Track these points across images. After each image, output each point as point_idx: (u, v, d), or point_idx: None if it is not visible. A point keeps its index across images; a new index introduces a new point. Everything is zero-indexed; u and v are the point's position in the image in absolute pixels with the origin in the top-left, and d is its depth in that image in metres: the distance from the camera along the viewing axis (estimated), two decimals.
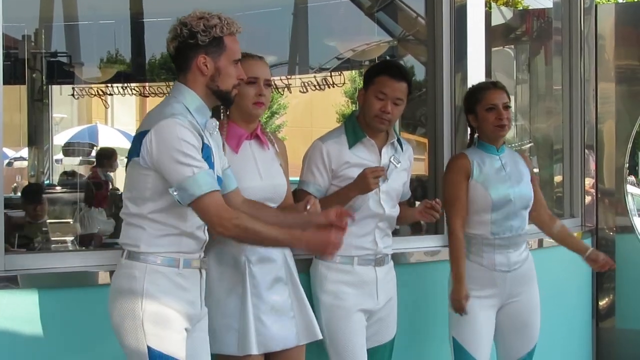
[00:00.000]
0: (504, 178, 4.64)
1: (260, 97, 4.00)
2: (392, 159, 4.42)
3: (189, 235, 3.52)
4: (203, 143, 3.42)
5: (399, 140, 4.49)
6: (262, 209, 3.79)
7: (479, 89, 4.77)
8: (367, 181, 4.12)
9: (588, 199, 7.17)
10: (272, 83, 4.13)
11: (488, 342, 4.67)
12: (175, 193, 3.35)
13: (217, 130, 3.66)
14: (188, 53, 3.50)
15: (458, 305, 4.49)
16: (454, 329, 4.65)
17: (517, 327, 4.72)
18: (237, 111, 4.04)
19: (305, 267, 4.37)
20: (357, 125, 4.39)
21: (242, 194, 3.79)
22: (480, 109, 4.65)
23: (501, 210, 4.61)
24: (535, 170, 7.77)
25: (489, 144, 4.69)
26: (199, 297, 3.60)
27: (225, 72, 3.52)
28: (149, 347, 3.42)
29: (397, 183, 4.45)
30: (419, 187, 6.76)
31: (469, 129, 4.86)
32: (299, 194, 4.27)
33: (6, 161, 4.95)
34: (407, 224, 4.62)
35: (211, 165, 3.45)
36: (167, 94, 3.66)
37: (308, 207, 3.84)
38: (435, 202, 4.29)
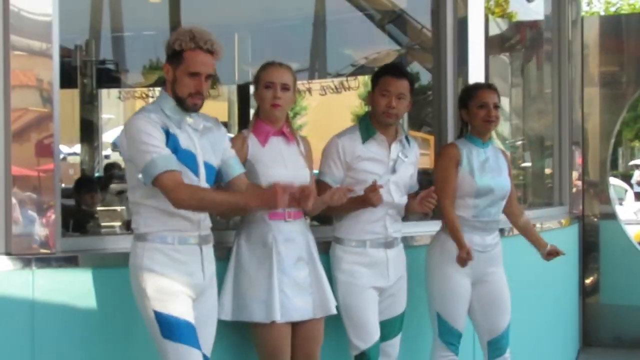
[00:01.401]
0: (488, 169, 4.65)
1: (276, 100, 4.05)
2: (400, 154, 4.43)
3: (181, 217, 3.57)
4: (169, 134, 3.50)
5: (406, 137, 4.50)
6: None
7: (473, 87, 4.81)
8: (369, 198, 4.13)
9: (575, 189, 7.17)
10: (292, 87, 4.13)
11: (465, 311, 4.69)
12: (140, 176, 3.46)
13: (212, 129, 3.75)
14: (165, 63, 3.66)
15: (465, 260, 4.43)
16: (437, 304, 4.65)
17: (494, 305, 4.72)
18: (262, 112, 4.15)
19: (325, 249, 4.38)
20: (370, 123, 4.41)
21: (246, 180, 3.88)
22: (473, 105, 4.65)
23: (484, 197, 4.61)
24: (528, 164, 7.78)
25: (477, 137, 4.69)
26: (200, 269, 3.64)
27: (180, 81, 3.58)
28: (154, 311, 3.52)
29: (405, 175, 4.46)
30: (425, 179, 6.76)
31: (460, 122, 4.85)
32: (317, 184, 4.29)
33: (61, 156, 4.99)
34: (412, 214, 4.62)
35: (180, 152, 3.52)
36: None
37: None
38: (429, 192, 4.30)
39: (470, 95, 4.69)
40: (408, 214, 4.60)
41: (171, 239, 3.57)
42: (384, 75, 4.39)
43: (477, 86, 4.81)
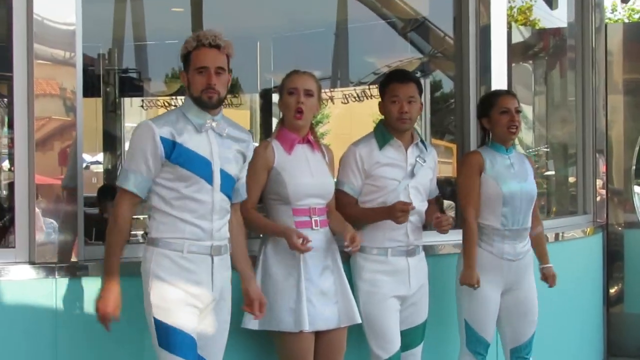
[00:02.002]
0: (513, 175, 4.62)
1: (299, 104, 4.07)
2: (417, 158, 4.42)
3: (191, 224, 3.56)
4: (175, 145, 3.52)
5: (422, 142, 4.50)
6: (236, 237, 3.86)
7: (493, 94, 4.77)
8: (396, 214, 4.14)
9: (599, 197, 7.12)
10: (315, 94, 4.14)
11: (494, 321, 4.67)
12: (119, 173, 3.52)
13: (240, 140, 3.75)
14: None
15: (469, 285, 4.47)
16: (465, 312, 4.64)
17: (521, 314, 4.69)
18: (287, 120, 4.16)
19: (346, 258, 4.37)
20: (385, 129, 4.42)
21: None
22: (494, 112, 4.62)
23: (511, 204, 4.57)
24: (552, 172, 7.74)
25: (499, 144, 4.66)
26: (209, 280, 3.61)
27: (192, 81, 3.61)
28: (154, 319, 3.53)
29: (424, 179, 4.45)
30: (448, 188, 6.74)
31: (482, 131, 4.83)
32: (336, 193, 4.29)
33: (84, 165, 5.02)
34: (428, 224, 4.62)
35: (196, 161, 3.55)
36: (224, 105, 3.74)
37: (349, 247, 4.05)
38: (447, 218, 4.32)
39: (491, 103, 4.66)
40: (429, 221, 4.59)
41: (180, 247, 3.56)
42: (391, 82, 4.40)
43: (496, 93, 4.78)
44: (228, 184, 3.68)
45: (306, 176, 4.08)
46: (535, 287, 4.74)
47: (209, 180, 3.58)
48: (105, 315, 3.52)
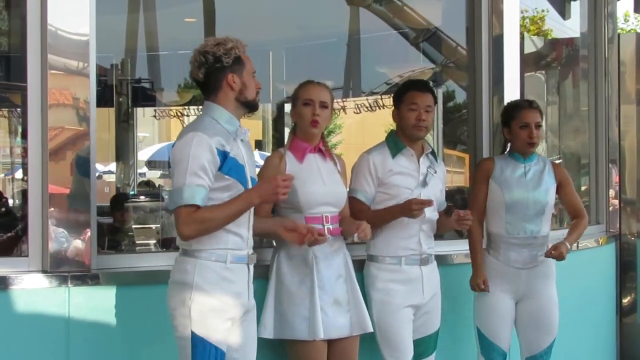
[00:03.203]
0: (522, 183, 4.62)
1: (315, 116, 4.08)
2: (429, 168, 4.44)
3: (234, 233, 3.54)
4: (227, 156, 3.48)
5: (432, 153, 4.51)
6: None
7: (516, 106, 4.75)
8: (411, 207, 4.13)
9: (612, 207, 7.10)
10: (329, 105, 4.16)
11: (508, 329, 4.65)
12: (166, 195, 3.42)
13: (247, 137, 3.71)
14: (217, 75, 3.58)
15: (477, 288, 4.52)
16: (477, 319, 4.65)
17: (537, 323, 4.67)
18: (300, 129, 4.16)
19: (360, 267, 4.37)
20: (397, 139, 4.44)
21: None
22: (515, 125, 4.64)
23: (515, 212, 4.58)
24: None
25: (517, 153, 4.67)
26: (247, 289, 3.61)
27: (249, 84, 3.62)
28: (192, 332, 3.47)
29: (435, 189, 4.46)
30: (460, 198, 6.74)
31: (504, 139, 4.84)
32: (350, 201, 4.31)
33: (97, 174, 5.03)
34: (445, 232, 4.61)
35: (240, 169, 3.53)
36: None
37: (356, 235, 4.02)
38: (465, 213, 4.29)
39: (512, 115, 4.67)
40: (441, 232, 4.59)
41: (224, 257, 3.52)
42: (410, 90, 4.42)
43: (519, 104, 4.76)
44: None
45: (318, 184, 4.09)
46: (555, 298, 4.70)
47: (246, 185, 3.57)
48: (276, 184, 3.46)
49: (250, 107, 3.66)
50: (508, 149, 4.76)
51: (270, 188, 3.45)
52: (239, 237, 3.56)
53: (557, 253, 4.55)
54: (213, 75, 3.58)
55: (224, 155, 3.47)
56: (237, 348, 3.62)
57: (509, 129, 4.68)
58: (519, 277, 4.60)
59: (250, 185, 3.58)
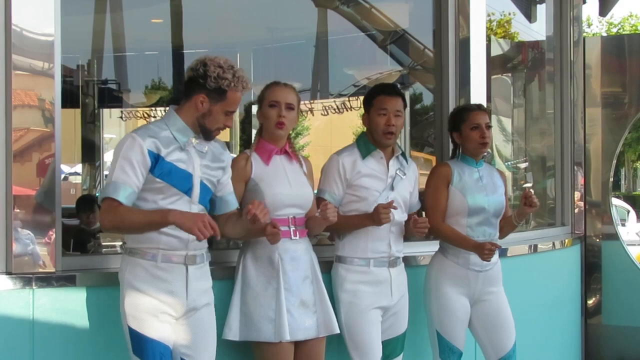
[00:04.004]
0: (481, 188, 4.66)
1: (281, 118, 4.08)
2: (397, 171, 4.45)
3: (166, 234, 3.59)
4: (158, 158, 3.54)
5: (403, 155, 4.52)
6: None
7: (464, 109, 4.80)
8: (379, 216, 4.15)
9: (577, 209, 7.16)
10: (296, 107, 4.16)
11: (464, 330, 4.69)
12: (105, 185, 3.54)
13: (216, 153, 3.78)
14: (194, 87, 3.64)
15: (489, 253, 4.47)
16: (437, 322, 4.66)
17: (499, 323, 4.71)
18: (266, 131, 4.17)
19: (327, 268, 4.38)
20: (368, 141, 4.45)
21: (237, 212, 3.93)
22: (465, 128, 4.68)
23: (476, 216, 4.62)
24: (530, 184, 7.78)
25: (469, 157, 4.71)
26: (184, 289, 3.64)
27: (215, 116, 3.65)
28: (129, 327, 3.58)
29: (404, 192, 4.47)
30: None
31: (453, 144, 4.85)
32: (317, 201, 4.30)
33: (62, 176, 4.98)
34: (410, 236, 4.62)
35: (180, 176, 3.58)
36: None
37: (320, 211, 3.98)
38: (424, 219, 4.35)
39: (462, 118, 4.71)
40: (409, 235, 4.61)
41: (155, 257, 3.60)
42: (379, 94, 4.43)
43: (467, 108, 4.81)
44: (206, 196, 3.73)
45: (284, 186, 4.08)
46: (505, 298, 4.76)
47: (188, 192, 3.63)
48: (202, 222, 3.37)
49: (204, 133, 3.69)
50: (459, 154, 4.77)
51: (191, 221, 3.39)
52: (174, 238, 3.61)
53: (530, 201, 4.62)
54: (191, 85, 3.65)
55: (155, 158, 3.54)
56: (186, 344, 3.67)
57: (459, 133, 4.71)
58: (476, 279, 4.63)
59: (195, 193, 3.64)
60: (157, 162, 3.54)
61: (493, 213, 4.68)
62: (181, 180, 3.60)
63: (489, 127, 4.68)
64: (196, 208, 3.65)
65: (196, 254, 3.68)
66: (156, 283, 3.59)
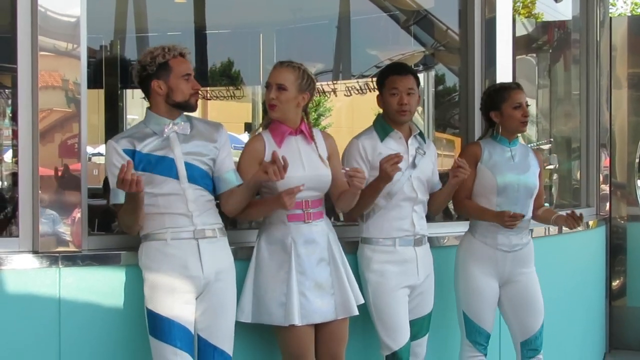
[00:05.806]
0: (512, 167, 4.64)
1: (271, 100, 4.06)
2: (417, 149, 4.44)
3: (169, 214, 3.75)
4: (135, 153, 3.72)
5: (420, 134, 4.51)
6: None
7: (505, 88, 4.74)
8: (386, 170, 4.09)
9: (602, 191, 7.13)
10: (290, 87, 4.03)
11: (493, 312, 4.68)
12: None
13: (202, 130, 3.90)
14: (146, 82, 3.80)
15: (510, 220, 4.45)
16: (463, 303, 4.67)
17: (527, 305, 4.70)
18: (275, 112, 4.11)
19: (351, 249, 4.38)
20: (385, 122, 4.45)
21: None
22: (507, 107, 4.64)
23: (505, 195, 4.60)
24: (553, 165, 7.76)
25: (503, 137, 4.69)
26: (198, 262, 3.75)
27: (177, 88, 3.79)
28: (147, 308, 3.72)
29: (426, 169, 4.47)
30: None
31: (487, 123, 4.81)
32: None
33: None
34: (445, 204, 4.62)
35: (157, 162, 3.74)
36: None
37: (347, 168, 4.01)
38: (460, 162, 4.33)
39: (502, 97, 4.66)
40: (441, 205, 4.60)
41: (164, 236, 3.73)
42: (389, 75, 4.43)
43: (507, 86, 4.75)
44: (197, 175, 3.81)
45: (297, 169, 3.99)
46: (536, 279, 4.74)
47: (174, 175, 3.75)
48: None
49: (182, 108, 3.83)
50: (494, 133, 4.74)
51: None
52: (180, 217, 3.75)
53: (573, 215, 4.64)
54: (144, 83, 3.81)
55: (132, 154, 3.72)
56: (202, 320, 3.79)
57: (498, 112, 4.68)
58: (504, 260, 4.62)
59: (182, 173, 3.77)
60: (134, 157, 3.69)
61: (524, 193, 4.65)
62: (163, 166, 3.74)
63: (527, 105, 4.66)
64: (187, 186, 3.76)
65: (205, 228, 3.78)
66: (169, 260, 3.71)
